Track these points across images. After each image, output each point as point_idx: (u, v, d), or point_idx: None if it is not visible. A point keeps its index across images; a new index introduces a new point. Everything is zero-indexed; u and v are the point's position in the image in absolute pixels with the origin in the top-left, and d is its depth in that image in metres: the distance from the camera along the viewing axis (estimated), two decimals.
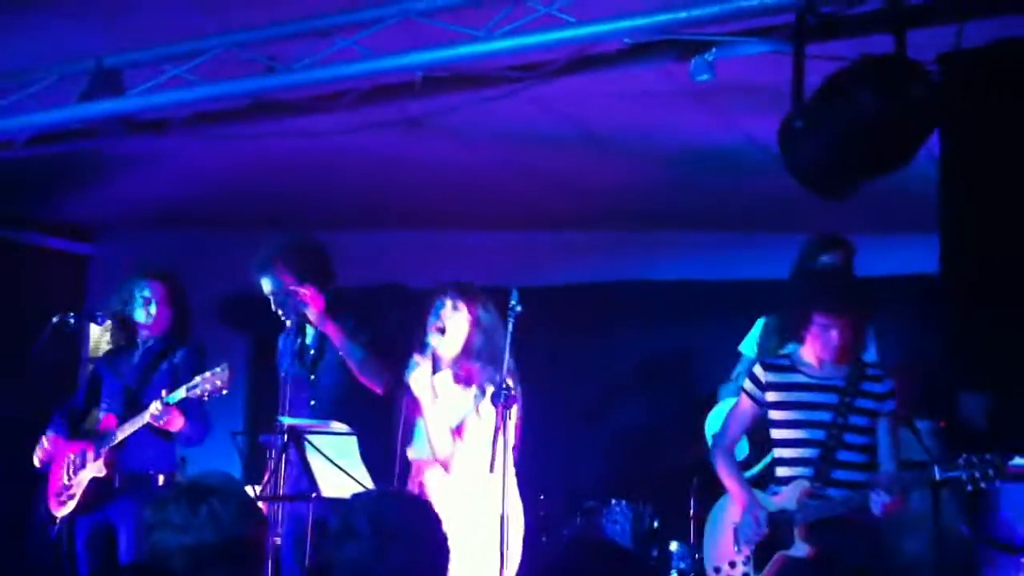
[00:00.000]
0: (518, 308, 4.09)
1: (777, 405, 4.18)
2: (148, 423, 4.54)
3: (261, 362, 6.07)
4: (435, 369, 4.21)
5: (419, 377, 4.12)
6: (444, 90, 3.84)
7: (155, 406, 4.49)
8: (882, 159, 2.75)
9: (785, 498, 4.08)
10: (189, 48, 3.85)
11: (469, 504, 4.08)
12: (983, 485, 3.71)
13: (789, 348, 4.44)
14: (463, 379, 4.20)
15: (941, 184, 2.70)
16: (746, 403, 4.27)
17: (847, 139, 2.73)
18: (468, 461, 4.14)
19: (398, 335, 4.58)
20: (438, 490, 4.17)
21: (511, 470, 4.03)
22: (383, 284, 6.42)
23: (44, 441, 4.87)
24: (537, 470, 4.34)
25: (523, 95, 3.86)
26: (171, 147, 5.18)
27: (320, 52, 3.67)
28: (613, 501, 5.67)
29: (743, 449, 4.93)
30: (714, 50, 3.18)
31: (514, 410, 4.09)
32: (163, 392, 4.50)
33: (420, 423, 4.20)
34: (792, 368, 4.18)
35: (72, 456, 4.78)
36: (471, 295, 4.22)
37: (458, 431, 4.15)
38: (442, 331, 4.15)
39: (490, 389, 4.05)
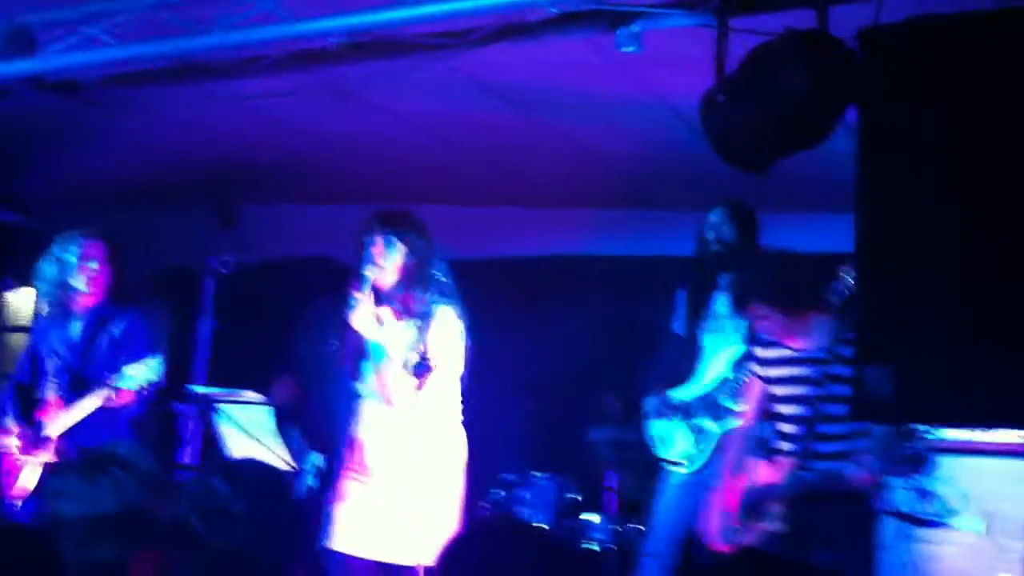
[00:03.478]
0: (444, 280, 4.08)
1: (770, 381, 4.22)
2: None
3: (182, 334, 5.96)
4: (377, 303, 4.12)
5: (361, 314, 4.05)
6: (368, 56, 3.79)
7: (104, 393, 4.37)
8: (801, 134, 2.78)
9: (773, 472, 4.12)
10: (104, 8, 3.74)
11: (413, 442, 4.06)
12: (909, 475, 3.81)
13: None
14: (403, 310, 4.13)
15: (858, 161, 2.73)
16: (753, 381, 4.31)
17: (767, 113, 2.74)
18: (416, 396, 4.08)
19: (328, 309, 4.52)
20: (382, 427, 4.11)
21: (442, 441, 4.03)
22: (311, 257, 6.36)
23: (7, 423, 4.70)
24: None
25: (451, 66, 3.82)
26: (97, 118, 5.06)
27: (239, 14, 3.59)
28: (534, 474, 5.69)
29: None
30: (639, 21, 3.18)
31: (447, 376, 4.07)
32: (112, 377, 4.38)
33: (367, 360, 4.14)
34: (776, 343, 4.20)
35: (23, 438, 4.62)
36: (401, 223, 4.15)
37: (403, 365, 4.08)
38: (377, 265, 4.09)
39: (436, 316, 4.02)
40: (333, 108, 4.59)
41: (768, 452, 4.23)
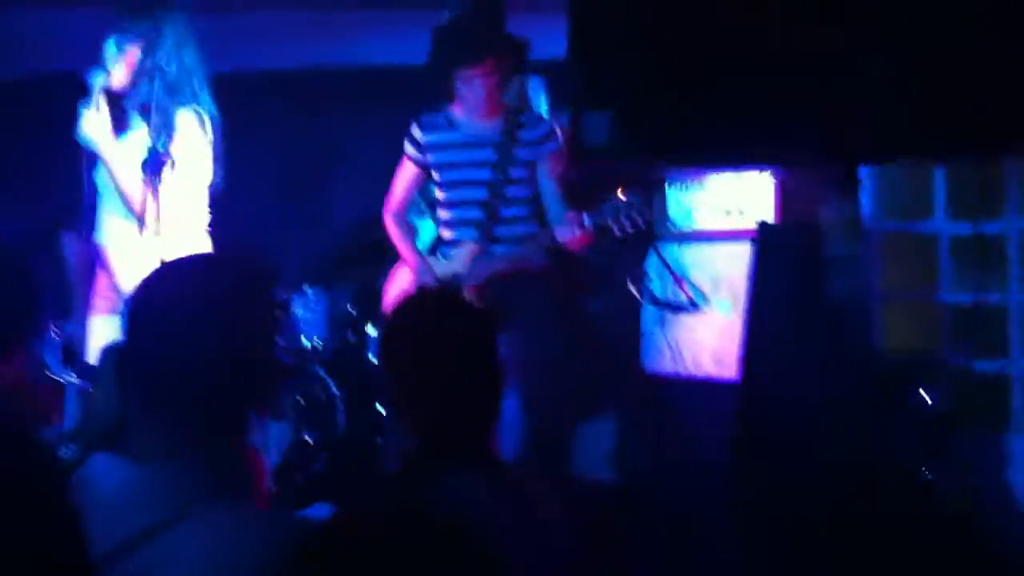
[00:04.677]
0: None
1: (436, 167, 4.19)
2: None
3: None
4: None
5: (92, 123, 3.73)
6: None
7: None
8: None
9: (456, 262, 4.15)
10: None
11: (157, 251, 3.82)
12: (631, 231, 3.85)
13: None
14: (141, 115, 3.83)
15: None
16: (409, 167, 4.27)
17: None
18: (168, 208, 3.83)
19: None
20: (126, 242, 3.89)
21: (166, 238, 3.84)
22: (57, 73, 5.95)
23: None
24: None
25: None
26: None
27: None
28: (306, 289, 5.64)
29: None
30: None
31: (187, 180, 3.87)
32: None
33: (103, 177, 3.89)
34: (448, 126, 4.17)
35: None
36: (133, 17, 3.79)
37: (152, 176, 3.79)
38: (106, 68, 3.76)
39: (176, 120, 3.75)
40: None
41: (449, 240, 4.26)
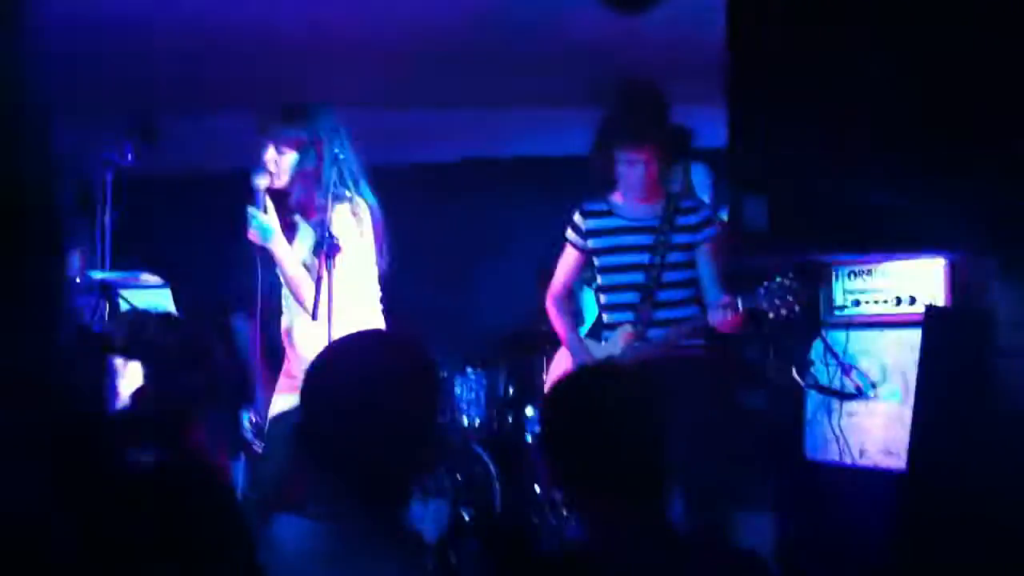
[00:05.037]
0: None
1: (597, 252, 4.24)
2: None
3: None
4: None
5: (260, 223, 3.81)
6: None
7: None
8: None
9: (612, 344, 4.17)
10: None
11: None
12: (785, 314, 3.79)
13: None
14: (303, 210, 3.93)
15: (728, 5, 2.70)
16: (570, 252, 4.33)
17: None
18: (335, 295, 3.85)
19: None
20: (311, 341, 3.92)
21: (340, 322, 3.94)
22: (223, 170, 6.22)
23: None
24: None
25: None
26: None
27: None
28: (467, 369, 5.72)
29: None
30: None
31: (354, 265, 3.96)
32: None
33: (277, 270, 3.94)
34: (609, 213, 4.23)
35: None
36: (289, 120, 3.87)
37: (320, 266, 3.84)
38: (267, 171, 3.85)
39: (333, 215, 3.82)
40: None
41: (608, 324, 4.24)
